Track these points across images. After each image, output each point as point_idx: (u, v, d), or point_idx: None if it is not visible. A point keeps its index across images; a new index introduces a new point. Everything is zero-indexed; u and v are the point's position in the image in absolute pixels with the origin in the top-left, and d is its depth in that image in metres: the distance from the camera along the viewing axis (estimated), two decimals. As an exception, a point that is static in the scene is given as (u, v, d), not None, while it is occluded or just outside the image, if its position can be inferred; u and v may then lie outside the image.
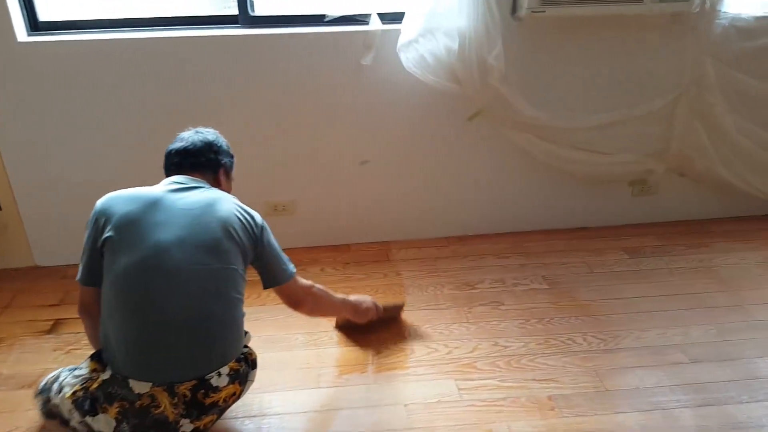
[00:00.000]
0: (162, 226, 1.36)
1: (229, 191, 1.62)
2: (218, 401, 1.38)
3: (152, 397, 1.30)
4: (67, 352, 1.93)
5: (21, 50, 2.01)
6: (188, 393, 1.32)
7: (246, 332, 1.53)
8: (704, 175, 2.53)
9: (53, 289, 2.27)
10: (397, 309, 2.05)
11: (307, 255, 2.48)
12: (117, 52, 2.05)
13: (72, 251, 2.38)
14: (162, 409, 1.29)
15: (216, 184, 1.59)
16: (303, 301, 1.63)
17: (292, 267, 1.60)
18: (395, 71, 2.14)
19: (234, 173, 1.70)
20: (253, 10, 2.16)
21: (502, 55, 2.12)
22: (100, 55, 2.05)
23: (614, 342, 1.93)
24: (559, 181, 2.52)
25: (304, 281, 1.64)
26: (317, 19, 2.19)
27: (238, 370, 1.42)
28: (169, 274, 1.34)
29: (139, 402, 1.29)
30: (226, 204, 1.47)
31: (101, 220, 1.40)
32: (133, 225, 1.36)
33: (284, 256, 1.58)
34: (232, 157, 1.68)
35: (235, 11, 2.14)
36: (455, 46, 2.10)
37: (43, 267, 2.43)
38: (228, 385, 1.39)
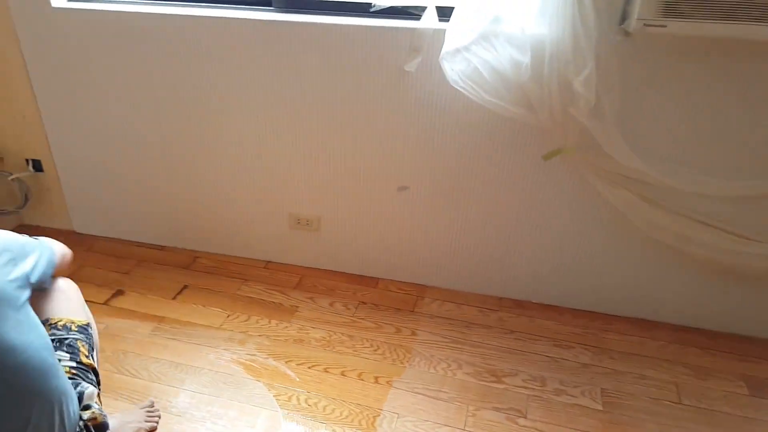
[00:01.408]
0: None
1: None
2: None
3: None
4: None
5: (55, 16, 1.94)
6: None
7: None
8: None
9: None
10: None
11: (326, 280, 2.15)
12: (145, 24, 1.88)
13: (104, 225, 2.36)
14: None
15: None
16: None
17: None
18: (446, 83, 1.65)
19: None
20: (291, -8, 1.83)
21: (593, 79, 1.52)
22: (130, 27, 1.89)
23: None
24: (668, 257, 1.83)
25: None
26: (362, 9, 1.78)
27: None
28: None
29: None
30: None
31: None
32: None
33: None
34: None
35: (271, -9, 1.83)
36: (526, 59, 1.55)
37: (80, 233, 2.43)
38: None
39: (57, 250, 1.35)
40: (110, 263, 2.24)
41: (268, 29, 1.79)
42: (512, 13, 1.52)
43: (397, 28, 1.70)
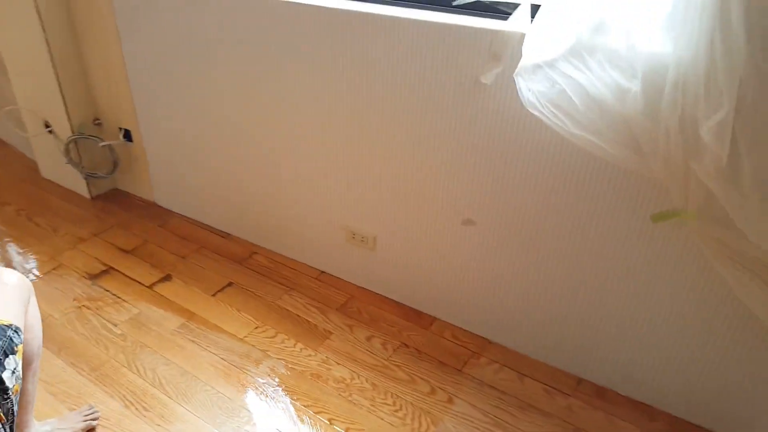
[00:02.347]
0: None
1: None
2: None
3: None
4: (79, 308, 1.88)
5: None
6: None
7: None
8: None
9: (141, 232, 2.28)
10: None
11: (373, 307, 1.90)
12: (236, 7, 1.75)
13: (180, 202, 2.36)
14: None
15: None
16: None
17: None
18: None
19: None
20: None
21: (729, 126, 1.06)
22: (224, 8, 1.78)
23: None
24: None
25: None
26: (446, 1, 1.46)
27: None
28: None
29: None
30: None
31: None
32: None
33: None
34: None
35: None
36: (635, 86, 1.13)
37: (159, 206, 2.46)
38: None
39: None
40: (172, 244, 2.22)
41: (328, 18, 1.55)
42: (621, 20, 1.09)
43: (476, 29, 1.35)
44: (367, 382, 1.63)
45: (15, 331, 1.24)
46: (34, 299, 1.35)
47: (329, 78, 1.65)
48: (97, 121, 2.40)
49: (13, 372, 1.21)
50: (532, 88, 1.22)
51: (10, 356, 1.20)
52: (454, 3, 1.43)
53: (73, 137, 2.33)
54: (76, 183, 2.51)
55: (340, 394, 1.59)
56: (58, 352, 1.71)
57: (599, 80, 1.16)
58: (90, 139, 2.34)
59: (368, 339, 1.79)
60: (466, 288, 1.74)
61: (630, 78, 1.12)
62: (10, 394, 1.19)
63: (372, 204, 1.79)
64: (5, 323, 1.19)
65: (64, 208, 2.45)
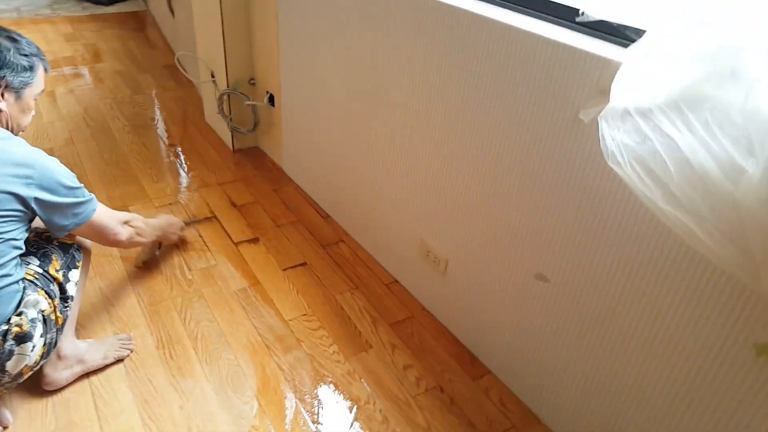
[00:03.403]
0: None
1: (17, 114, 1.34)
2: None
3: None
4: (171, 244, 2.05)
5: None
6: None
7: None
8: None
9: (255, 192, 2.40)
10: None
11: (429, 336, 1.76)
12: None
13: (299, 173, 2.44)
14: None
15: None
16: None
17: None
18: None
19: (34, 92, 1.37)
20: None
21: None
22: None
23: None
24: None
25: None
26: (570, 15, 1.23)
27: None
28: None
29: None
30: None
31: None
32: None
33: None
34: (28, 70, 1.33)
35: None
36: (753, 168, 0.83)
37: (284, 173, 2.57)
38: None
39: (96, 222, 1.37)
40: (276, 210, 2.30)
41: (435, 15, 1.41)
42: (743, 71, 0.79)
43: (588, 54, 1.11)
44: (380, 412, 1.51)
45: (77, 249, 1.40)
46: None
47: (426, 77, 1.51)
48: (252, 81, 2.57)
49: (76, 284, 1.37)
50: (616, 138, 0.96)
51: (73, 270, 1.36)
52: (578, 19, 1.20)
53: (227, 91, 2.52)
54: (225, 134, 2.73)
55: (349, 412, 1.49)
56: (132, 279, 1.87)
57: (704, 147, 0.86)
58: (240, 96, 2.52)
59: (405, 368, 1.65)
60: (526, 347, 1.50)
61: (746, 154, 0.81)
62: (70, 302, 1.34)
63: (449, 224, 1.63)
64: (69, 241, 1.39)
65: (208, 153, 2.69)
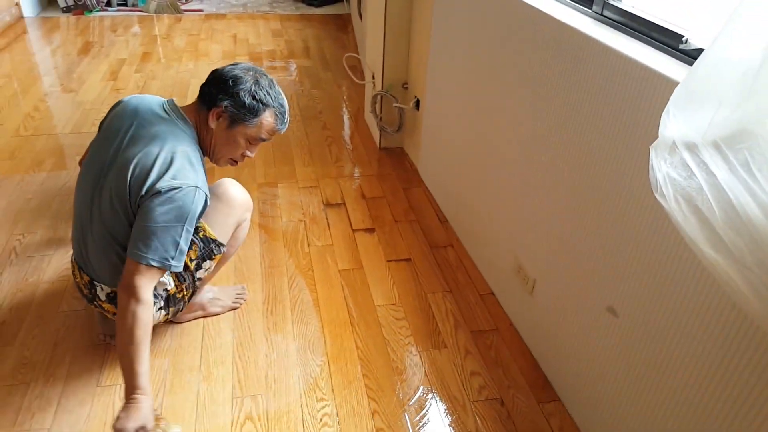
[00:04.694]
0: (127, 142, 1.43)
1: (222, 143, 1.49)
2: (106, 308, 1.53)
3: (72, 265, 1.61)
4: (301, 221, 2.35)
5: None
6: (87, 283, 1.54)
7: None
8: None
9: (387, 188, 2.60)
10: None
11: (507, 352, 1.79)
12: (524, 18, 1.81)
13: (429, 177, 2.57)
14: (77, 279, 1.59)
15: (202, 122, 1.48)
16: (126, 291, 1.31)
17: (153, 256, 1.32)
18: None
19: (246, 132, 1.51)
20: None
21: None
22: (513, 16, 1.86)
23: None
24: None
25: (147, 281, 1.32)
26: (674, 39, 1.21)
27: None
28: (94, 188, 1.44)
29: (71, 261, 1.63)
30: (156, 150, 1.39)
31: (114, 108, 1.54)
32: (110, 129, 1.48)
33: (162, 242, 1.32)
34: (249, 112, 1.46)
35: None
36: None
37: (417, 175, 2.75)
38: (107, 302, 1.52)
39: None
40: (399, 208, 2.47)
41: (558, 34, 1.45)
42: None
43: (671, 81, 1.09)
44: (434, 405, 1.59)
45: (218, 245, 1.58)
46: (248, 218, 1.69)
47: (548, 99, 1.55)
48: (405, 86, 2.79)
49: (206, 270, 1.60)
50: (663, 170, 0.94)
51: (207, 261, 1.59)
52: (681, 46, 1.17)
53: (380, 92, 2.77)
54: (375, 132, 2.99)
55: (401, 398, 1.61)
56: (263, 242, 2.20)
57: (747, 189, 0.83)
58: (390, 97, 2.75)
59: (472, 374, 1.70)
60: (596, 385, 1.46)
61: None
62: (198, 285, 1.62)
63: (540, 244, 1.65)
64: (212, 237, 1.55)
65: (357, 148, 2.98)
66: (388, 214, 2.42)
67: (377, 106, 2.84)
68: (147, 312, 1.30)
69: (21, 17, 4.81)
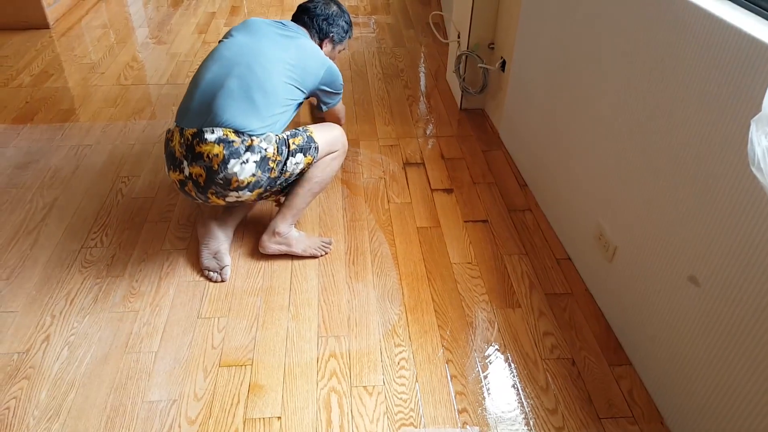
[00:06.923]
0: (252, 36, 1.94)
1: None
2: (205, 154, 1.73)
3: (172, 132, 1.83)
4: (381, 178, 2.48)
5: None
6: (190, 137, 1.75)
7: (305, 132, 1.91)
8: None
9: (467, 149, 2.68)
10: None
11: (581, 316, 1.86)
12: None
13: (510, 140, 2.62)
14: (174, 143, 1.80)
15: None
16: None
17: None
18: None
19: (340, 48, 2.24)
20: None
21: None
22: None
23: None
24: None
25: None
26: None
27: (230, 140, 1.72)
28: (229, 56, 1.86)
29: (167, 136, 1.86)
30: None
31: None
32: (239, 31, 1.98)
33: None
34: (346, 32, 2.19)
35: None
36: None
37: (498, 137, 2.80)
38: (213, 143, 1.72)
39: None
40: (478, 170, 2.55)
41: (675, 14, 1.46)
42: None
43: (779, 53, 1.11)
44: (507, 358, 1.70)
45: (315, 148, 1.91)
46: (341, 156, 2.03)
47: (645, 68, 1.57)
48: (491, 45, 2.81)
49: (297, 164, 1.88)
50: (762, 144, 0.98)
51: (300, 154, 1.88)
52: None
53: (465, 52, 2.81)
54: (457, 92, 3.05)
55: (473, 352, 1.73)
56: (345, 197, 2.34)
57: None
58: (475, 57, 2.79)
59: (545, 334, 1.80)
60: (671, 350, 1.53)
61: None
62: (287, 167, 1.86)
63: (625, 211, 1.69)
64: (315, 139, 1.92)
65: (438, 108, 3.05)
66: (467, 176, 2.50)
67: (461, 66, 2.88)
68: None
69: (116, -31, 5.09)
